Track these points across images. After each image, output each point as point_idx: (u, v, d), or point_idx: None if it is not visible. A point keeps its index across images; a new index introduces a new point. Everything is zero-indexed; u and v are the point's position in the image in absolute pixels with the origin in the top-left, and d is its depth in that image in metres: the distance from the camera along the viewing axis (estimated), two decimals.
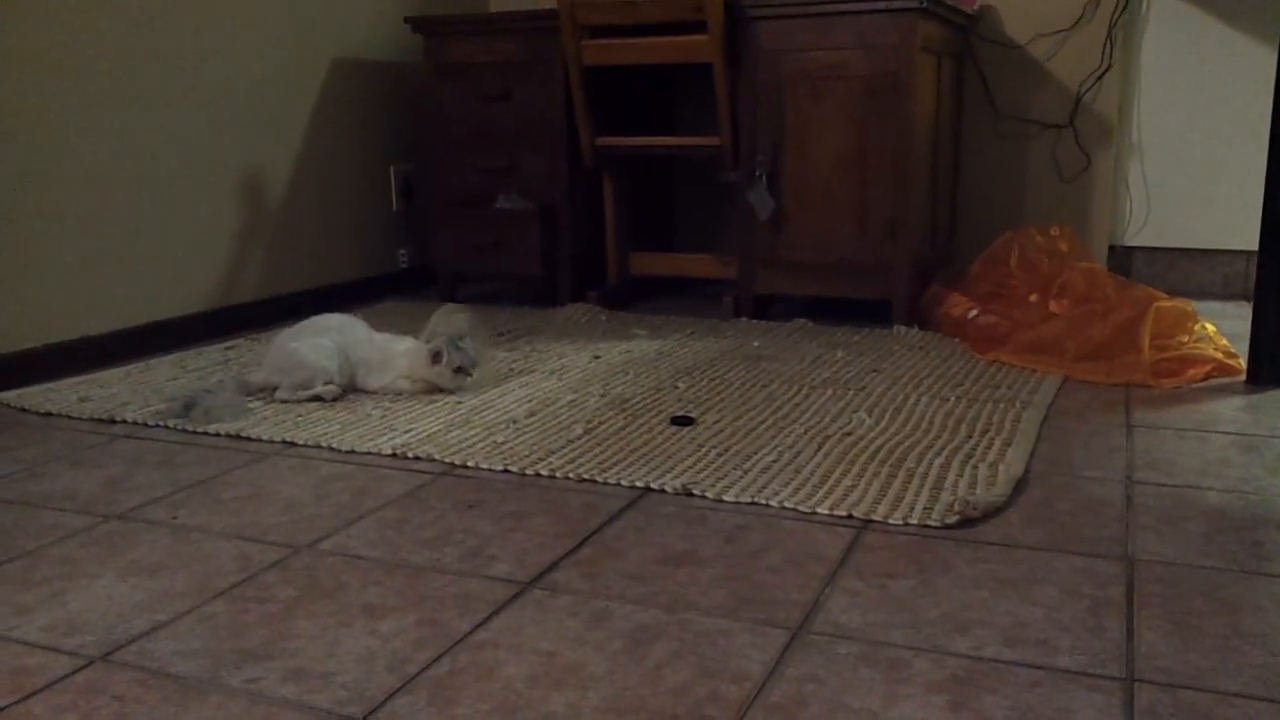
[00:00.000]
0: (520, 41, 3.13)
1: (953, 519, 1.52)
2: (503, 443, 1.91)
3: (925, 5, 2.68)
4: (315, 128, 3.17)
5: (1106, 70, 3.15)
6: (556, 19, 2.93)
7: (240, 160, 2.93)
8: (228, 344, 2.74)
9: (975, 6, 3.16)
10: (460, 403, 2.16)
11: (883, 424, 1.99)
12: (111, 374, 2.45)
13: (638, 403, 2.15)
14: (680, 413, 2.07)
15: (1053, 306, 2.55)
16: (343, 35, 3.26)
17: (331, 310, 2.39)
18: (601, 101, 3.06)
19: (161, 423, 2.06)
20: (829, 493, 1.64)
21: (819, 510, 1.57)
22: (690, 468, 1.76)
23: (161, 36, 2.68)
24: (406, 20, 3.25)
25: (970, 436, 1.91)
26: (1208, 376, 2.28)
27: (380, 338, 2.28)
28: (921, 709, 1.07)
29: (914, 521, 1.53)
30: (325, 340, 2.21)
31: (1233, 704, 1.07)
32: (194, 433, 2.02)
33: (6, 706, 1.10)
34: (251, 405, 2.16)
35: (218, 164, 2.87)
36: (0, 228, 2.34)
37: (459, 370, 2.20)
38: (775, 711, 1.06)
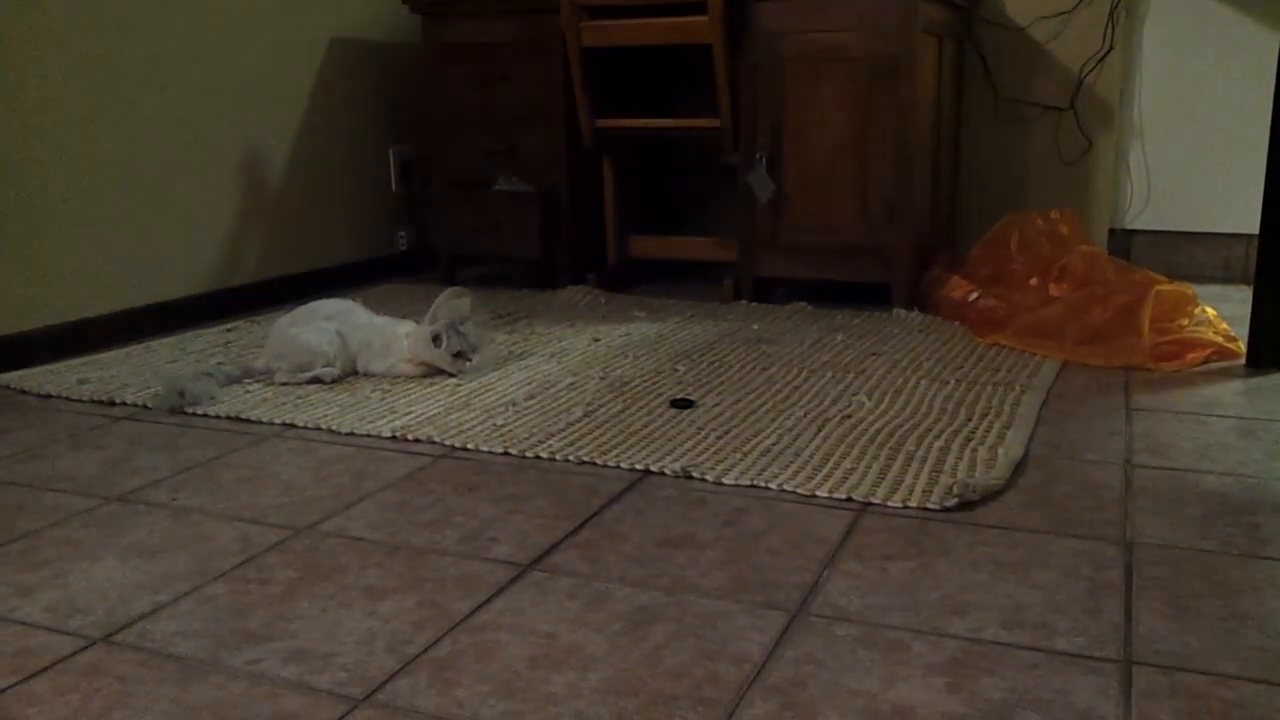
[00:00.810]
0: (519, 22, 3.12)
1: (952, 502, 1.52)
2: (502, 425, 1.91)
3: None
4: (314, 109, 3.16)
5: (1108, 53, 3.14)
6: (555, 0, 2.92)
7: (239, 142, 2.93)
8: (227, 326, 2.74)
9: None
10: (460, 385, 2.16)
11: (882, 407, 1.99)
12: (111, 356, 2.45)
13: (637, 385, 2.15)
14: (680, 395, 2.07)
15: (1053, 290, 2.55)
16: (341, 16, 3.24)
17: (331, 293, 2.39)
18: (601, 83, 3.05)
19: (155, 407, 2.06)
20: (828, 475, 1.64)
21: (818, 493, 1.58)
22: (690, 450, 1.76)
23: (160, 17, 2.67)
24: (404, 0, 3.24)
25: (970, 420, 1.91)
26: (1207, 360, 2.28)
27: (381, 321, 2.28)
28: (920, 690, 1.07)
29: (913, 504, 1.53)
30: (325, 324, 2.22)
31: (1230, 686, 1.07)
32: (194, 415, 2.02)
33: (9, 687, 1.10)
34: (250, 388, 2.17)
35: (216, 145, 2.86)
36: None
37: (458, 354, 2.20)
38: (774, 693, 1.07)
